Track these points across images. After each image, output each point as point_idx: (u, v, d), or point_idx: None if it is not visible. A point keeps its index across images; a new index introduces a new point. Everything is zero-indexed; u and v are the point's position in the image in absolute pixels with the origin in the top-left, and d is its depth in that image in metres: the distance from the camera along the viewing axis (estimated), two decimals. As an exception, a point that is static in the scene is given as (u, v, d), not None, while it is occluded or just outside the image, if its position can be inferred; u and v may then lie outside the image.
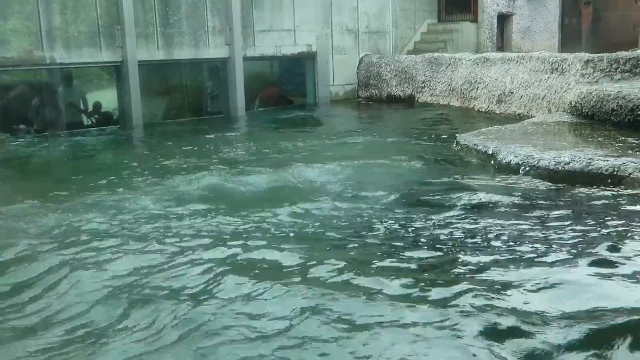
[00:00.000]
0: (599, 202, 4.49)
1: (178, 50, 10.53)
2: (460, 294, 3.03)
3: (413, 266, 3.52)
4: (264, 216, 4.59)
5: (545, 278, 3.19)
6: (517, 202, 4.64)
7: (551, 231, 3.93)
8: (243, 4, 11.25)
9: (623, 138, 6.00)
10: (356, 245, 3.92)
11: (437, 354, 2.54)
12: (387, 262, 3.59)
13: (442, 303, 2.95)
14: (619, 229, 3.91)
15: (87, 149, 8.68)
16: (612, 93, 6.74)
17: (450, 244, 3.86)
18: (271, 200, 5.08)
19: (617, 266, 3.30)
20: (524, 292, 3.05)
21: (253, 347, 2.67)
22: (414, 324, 2.75)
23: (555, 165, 5.23)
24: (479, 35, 16.27)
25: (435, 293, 3.07)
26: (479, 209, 4.56)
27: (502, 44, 16.99)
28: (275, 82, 13.73)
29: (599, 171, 4.96)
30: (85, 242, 4.13)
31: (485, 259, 3.54)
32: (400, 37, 14.51)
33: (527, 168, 5.38)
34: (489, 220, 4.23)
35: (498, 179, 5.35)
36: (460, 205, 4.64)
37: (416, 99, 11.90)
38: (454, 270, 3.41)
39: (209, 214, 4.72)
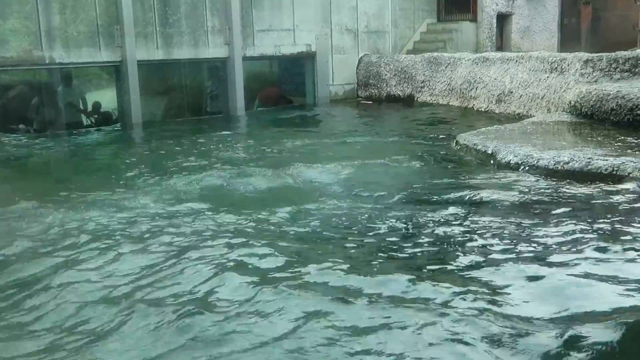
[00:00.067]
0: (598, 202, 4.49)
1: (177, 50, 10.53)
2: (460, 294, 3.03)
3: (413, 266, 3.53)
4: (264, 216, 4.59)
5: (545, 278, 3.20)
6: (516, 201, 4.65)
7: (551, 231, 3.93)
8: (242, 3, 11.25)
9: (622, 137, 6.01)
10: (356, 245, 3.92)
11: (437, 354, 2.54)
12: (388, 262, 3.60)
13: (442, 303, 2.95)
14: (619, 228, 3.92)
15: (87, 148, 8.68)
16: (611, 92, 6.75)
17: (451, 243, 3.86)
18: (271, 200, 5.08)
19: (617, 266, 3.31)
20: (524, 292, 3.06)
21: (253, 347, 2.67)
22: (414, 325, 2.75)
23: (554, 164, 5.23)
24: (479, 35, 16.29)
25: (436, 293, 3.07)
26: (478, 208, 4.57)
27: (501, 43, 17.01)
28: (274, 82, 13.73)
29: (599, 170, 4.96)
30: (85, 242, 4.13)
31: (485, 258, 3.55)
32: (399, 36, 14.50)
33: (527, 167, 5.39)
34: (489, 220, 4.23)
35: (498, 178, 5.35)
36: (460, 204, 4.65)
37: (415, 98, 11.90)
38: (454, 270, 3.41)
39: (208, 214, 4.72)
